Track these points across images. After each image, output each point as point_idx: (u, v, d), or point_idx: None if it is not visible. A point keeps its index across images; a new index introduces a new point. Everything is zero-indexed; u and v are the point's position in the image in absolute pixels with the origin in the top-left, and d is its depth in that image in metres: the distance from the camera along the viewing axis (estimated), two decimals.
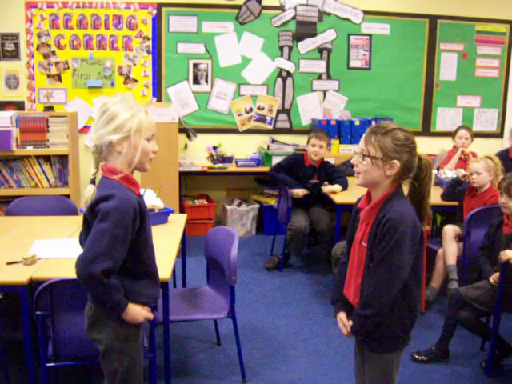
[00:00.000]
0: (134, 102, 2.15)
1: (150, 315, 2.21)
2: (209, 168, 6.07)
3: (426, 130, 6.72)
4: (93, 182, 2.14)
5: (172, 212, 3.66)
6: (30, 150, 4.46)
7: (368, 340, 2.19)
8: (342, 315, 2.29)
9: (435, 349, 3.47)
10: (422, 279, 2.17)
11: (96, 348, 2.19)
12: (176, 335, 3.69)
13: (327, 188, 4.90)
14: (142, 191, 3.50)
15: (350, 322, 2.20)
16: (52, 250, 2.96)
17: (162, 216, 3.57)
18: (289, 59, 6.40)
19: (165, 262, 2.76)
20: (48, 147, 4.52)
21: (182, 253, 3.85)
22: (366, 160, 2.10)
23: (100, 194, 2.04)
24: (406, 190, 2.16)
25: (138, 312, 2.14)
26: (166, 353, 2.82)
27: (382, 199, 2.11)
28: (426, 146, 6.27)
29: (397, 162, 2.05)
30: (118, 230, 1.98)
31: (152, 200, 3.63)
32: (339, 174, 5.11)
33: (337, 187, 4.87)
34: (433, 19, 6.52)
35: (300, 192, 5.00)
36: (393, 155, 2.06)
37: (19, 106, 6.02)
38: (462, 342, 3.63)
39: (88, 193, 2.12)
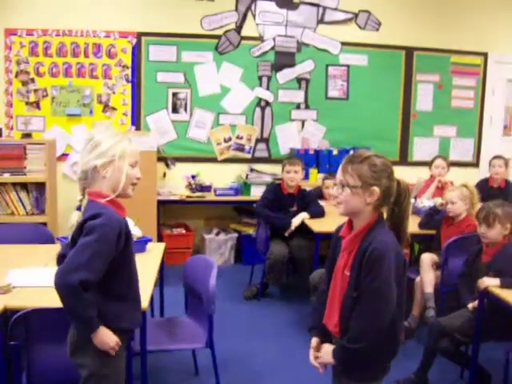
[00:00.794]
0: (117, 131, 2.26)
1: (119, 343, 2.17)
2: (187, 197, 6.05)
3: (404, 159, 6.79)
4: (78, 208, 2.20)
5: (150, 240, 3.63)
6: (6, 177, 4.41)
7: (347, 368, 2.16)
8: (314, 341, 2.28)
9: (414, 377, 3.45)
10: (403, 308, 2.16)
11: (77, 373, 2.18)
12: (153, 366, 3.63)
13: (295, 222, 4.91)
14: None
15: (326, 350, 2.19)
16: (27, 278, 2.91)
17: (141, 244, 3.53)
18: (267, 89, 6.45)
19: (143, 290, 2.72)
20: (25, 174, 4.48)
21: (160, 282, 3.81)
22: (345, 190, 2.10)
23: (88, 213, 2.08)
24: (384, 214, 2.16)
25: (108, 336, 2.12)
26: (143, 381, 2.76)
27: (365, 228, 2.11)
28: (403, 176, 6.29)
29: (376, 189, 2.06)
30: (100, 244, 2.02)
31: (131, 229, 3.59)
32: (311, 201, 5.13)
33: (303, 215, 4.90)
34: (409, 50, 6.65)
35: (293, 227, 4.98)
36: (372, 182, 2.07)
37: None
38: (441, 370, 3.61)
39: (73, 219, 2.16)
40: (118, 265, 2.13)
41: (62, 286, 2.00)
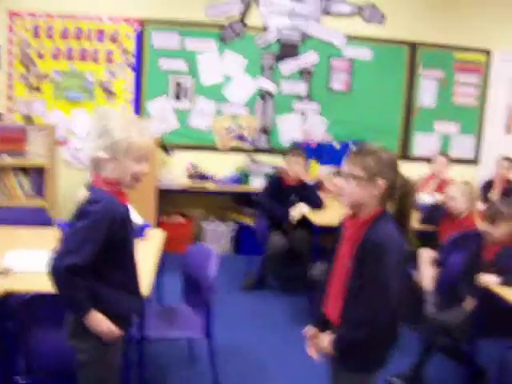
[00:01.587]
0: (132, 119, 2.18)
1: (117, 330, 2.16)
2: (187, 186, 6.04)
3: (404, 154, 6.77)
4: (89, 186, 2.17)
5: (149, 227, 3.61)
6: (7, 159, 4.39)
7: (345, 358, 2.17)
8: (311, 330, 2.32)
9: (410, 372, 3.45)
10: (402, 302, 2.16)
11: (75, 357, 2.17)
12: (150, 354, 3.62)
13: (295, 216, 4.90)
14: None
15: (324, 338, 2.19)
16: (24, 261, 2.89)
17: (140, 230, 3.52)
18: (270, 79, 6.42)
19: (143, 277, 2.71)
20: (25, 158, 4.45)
21: (160, 269, 3.79)
22: (350, 181, 2.10)
23: (89, 198, 2.08)
24: (389, 208, 2.16)
25: (100, 321, 2.11)
26: (140, 371, 2.76)
27: (369, 220, 2.11)
28: (403, 171, 6.34)
29: (381, 182, 2.06)
30: (90, 230, 2.02)
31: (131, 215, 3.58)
32: (312, 193, 5.12)
33: (302, 208, 4.90)
34: (413, 46, 6.61)
35: (294, 221, 4.97)
36: (377, 175, 2.06)
37: None
38: (437, 365, 3.61)
39: (80, 194, 2.15)
40: (116, 252, 2.12)
41: (52, 270, 2.01)
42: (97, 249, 2.03)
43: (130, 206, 3.62)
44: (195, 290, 3.24)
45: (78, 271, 2.00)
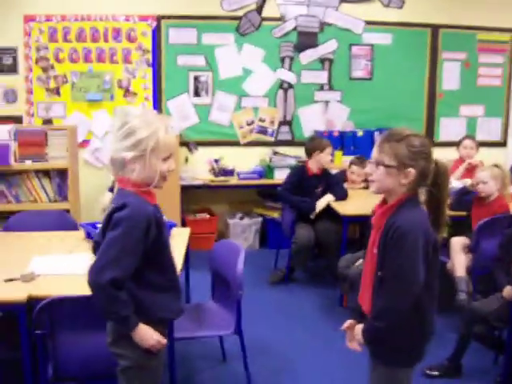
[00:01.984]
0: (155, 116, 2.09)
1: (163, 340, 2.10)
2: (210, 181, 5.98)
3: (430, 140, 6.61)
4: (111, 189, 2.11)
5: (174, 226, 3.56)
6: (28, 164, 4.37)
7: (377, 349, 2.12)
8: (348, 322, 2.26)
9: (448, 363, 3.36)
10: (435, 293, 2.09)
11: (103, 364, 2.15)
12: (179, 353, 3.55)
13: (320, 205, 4.82)
14: None
15: (357, 329, 2.14)
16: (51, 266, 2.86)
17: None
18: (290, 70, 6.33)
19: None
20: (47, 161, 4.43)
21: (186, 267, 3.75)
22: (379, 169, 2.02)
23: (115, 203, 1.99)
24: (422, 196, 2.08)
25: (147, 333, 2.04)
26: (171, 372, 2.71)
27: (394, 205, 2.03)
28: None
29: (412, 170, 1.97)
30: (127, 239, 1.93)
31: None
32: (336, 183, 5.04)
33: (329, 198, 4.81)
34: (435, 28, 6.46)
35: (318, 210, 4.89)
36: (408, 163, 1.98)
37: (17, 120, 5.92)
38: (475, 355, 3.50)
39: (105, 200, 2.09)
40: (154, 254, 2.05)
41: (93, 286, 1.94)
42: (138, 257, 1.97)
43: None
44: (223, 287, 3.19)
45: (120, 285, 1.93)
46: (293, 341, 3.88)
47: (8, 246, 3.34)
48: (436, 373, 3.34)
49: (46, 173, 4.47)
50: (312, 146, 5.03)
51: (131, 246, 1.94)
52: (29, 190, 4.44)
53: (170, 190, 5.25)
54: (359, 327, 2.12)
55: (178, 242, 3.40)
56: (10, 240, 3.51)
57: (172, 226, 3.54)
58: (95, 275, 1.92)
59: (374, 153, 2.06)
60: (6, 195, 4.45)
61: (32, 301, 2.46)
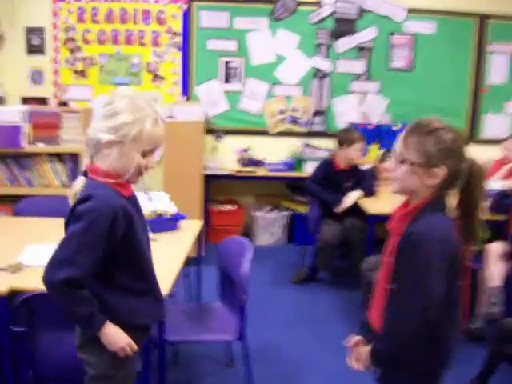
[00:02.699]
0: (146, 103, 1.83)
1: (135, 345, 1.87)
2: (237, 171, 5.74)
3: (472, 137, 6.24)
4: (84, 173, 1.88)
5: (183, 218, 3.32)
6: (40, 147, 4.21)
7: (386, 375, 1.86)
8: (354, 339, 2.00)
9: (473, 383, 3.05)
10: (456, 310, 1.81)
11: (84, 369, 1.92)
12: (185, 353, 3.36)
13: (348, 201, 4.54)
14: (153, 194, 3.21)
15: (363, 349, 1.88)
16: (42, 256, 2.66)
17: (172, 222, 3.24)
18: (326, 58, 6.03)
19: (165, 275, 2.45)
20: (59, 144, 4.26)
21: (198, 263, 3.52)
22: (403, 166, 1.74)
23: (81, 195, 1.77)
24: (453, 200, 1.79)
25: (117, 335, 1.82)
26: (160, 377, 2.47)
27: (415, 209, 1.75)
28: (471, 154, 5.84)
29: (439, 171, 1.69)
30: (87, 234, 1.71)
31: (164, 205, 3.31)
32: (364, 178, 4.75)
33: (357, 194, 4.52)
34: (482, 18, 6.06)
35: (343, 208, 4.62)
36: (436, 162, 1.69)
37: (43, 102, 5.78)
38: (503, 376, 3.15)
39: (77, 185, 1.85)
40: (126, 254, 1.83)
41: (46, 284, 1.74)
42: (99, 255, 1.75)
43: (161, 194, 3.39)
44: (231, 288, 2.94)
45: (78, 284, 1.72)
46: (307, 347, 3.62)
47: (9, 232, 3.17)
48: None
49: (59, 156, 4.30)
50: (341, 138, 4.75)
51: (92, 242, 1.72)
52: (41, 173, 4.28)
53: (191, 179, 5.02)
54: (366, 350, 1.86)
55: (186, 235, 3.18)
56: (14, 225, 3.37)
57: (180, 217, 3.30)
58: (49, 273, 1.73)
59: (398, 146, 1.77)
60: (18, 179, 4.30)
61: (14, 294, 2.26)
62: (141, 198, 3.33)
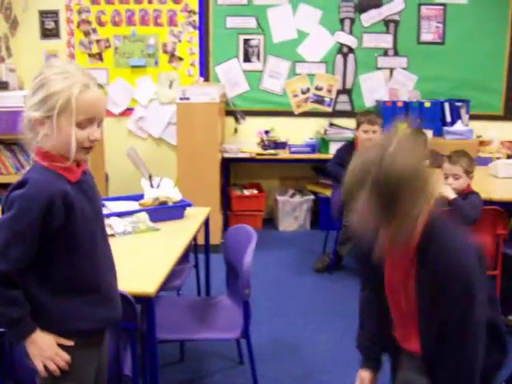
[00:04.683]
0: (79, 70, 1.61)
1: (66, 356, 1.65)
2: (258, 154, 5.50)
3: (509, 114, 5.85)
4: None
5: (189, 205, 3.10)
6: None
7: None
8: (366, 376, 1.85)
9: None
10: (497, 302, 1.78)
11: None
12: (192, 350, 3.15)
13: None
14: (157, 180, 2.99)
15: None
16: None
17: (175, 211, 3.03)
18: (350, 33, 5.72)
19: (157, 266, 2.26)
20: None
21: (206, 253, 3.30)
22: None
23: (18, 180, 1.58)
24: None
25: (48, 344, 1.62)
26: (152, 380, 2.26)
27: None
28: (508, 133, 5.50)
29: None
30: (18, 223, 1.52)
31: (167, 191, 3.10)
32: None
33: None
34: None
35: None
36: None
37: None
38: None
39: None
40: (64, 248, 1.62)
41: None
42: (32, 247, 1.55)
43: (164, 180, 3.17)
44: (236, 281, 2.72)
45: (9, 280, 1.53)
46: (326, 343, 3.37)
47: None
48: None
49: None
50: (356, 119, 4.50)
51: (22, 231, 1.53)
52: None
53: (208, 163, 4.80)
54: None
55: (190, 224, 2.96)
56: None
57: (186, 205, 3.08)
58: None
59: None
60: (24, 166, 4.17)
61: None
62: (142, 184, 3.15)
